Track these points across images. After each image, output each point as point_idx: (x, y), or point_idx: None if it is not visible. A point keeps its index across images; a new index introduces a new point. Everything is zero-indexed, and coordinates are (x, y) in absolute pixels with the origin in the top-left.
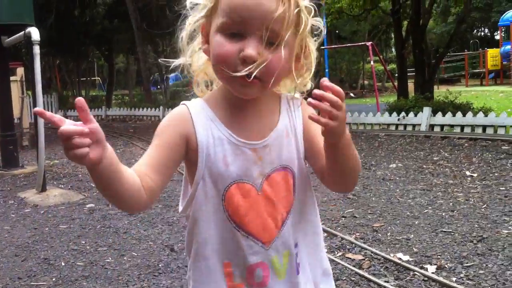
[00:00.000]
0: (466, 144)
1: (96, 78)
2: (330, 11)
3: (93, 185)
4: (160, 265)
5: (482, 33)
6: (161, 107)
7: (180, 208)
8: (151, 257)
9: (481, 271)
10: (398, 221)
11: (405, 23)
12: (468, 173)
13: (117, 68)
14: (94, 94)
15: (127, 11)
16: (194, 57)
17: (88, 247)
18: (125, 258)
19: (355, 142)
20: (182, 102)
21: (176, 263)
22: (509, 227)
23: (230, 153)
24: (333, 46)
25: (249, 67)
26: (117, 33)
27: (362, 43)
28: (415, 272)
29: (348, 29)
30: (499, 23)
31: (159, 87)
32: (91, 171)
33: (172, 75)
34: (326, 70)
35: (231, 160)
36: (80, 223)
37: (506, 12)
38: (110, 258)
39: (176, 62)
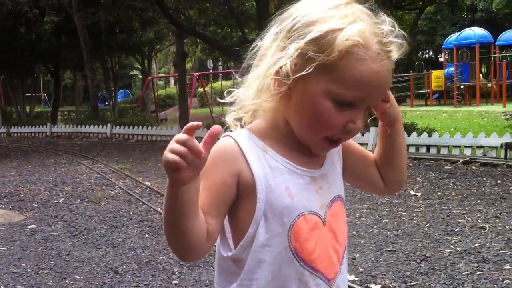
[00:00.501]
0: (410, 164)
1: (42, 94)
2: None
3: (36, 205)
4: None
5: (427, 55)
6: (108, 124)
7: (225, 253)
8: (94, 280)
9: None
10: None
11: None
12: (412, 192)
13: (64, 84)
14: (39, 110)
15: (75, 28)
16: (262, 94)
17: (28, 270)
18: (67, 281)
19: None
20: (225, 134)
21: (120, 286)
22: (451, 246)
23: (292, 183)
24: None
25: (349, 136)
26: (64, 50)
27: None
28: None
29: None
30: (443, 46)
31: (107, 103)
32: (173, 188)
33: (121, 91)
34: None
35: (295, 191)
36: (21, 245)
37: (450, 36)
38: (52, 282)
39: (236, 94)
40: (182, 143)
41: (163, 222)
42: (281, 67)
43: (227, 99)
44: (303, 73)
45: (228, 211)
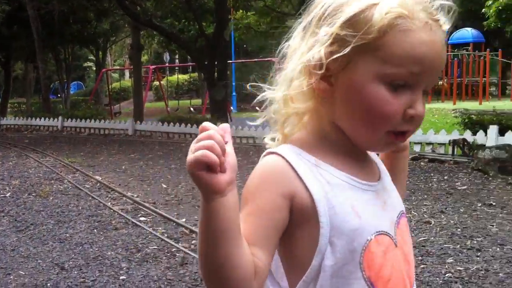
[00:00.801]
0: None
1: None
2: (239, 26)
3: None
4: (48, 284)
5: None
6: (60, 117)
7: None
8: (39, 276)
9: None
10: None
11: None
12: None
13: (15, 75)
14: None
15: (28, 18)
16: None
17: None
18: (11, 277)
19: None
20: (269, 151)
21: (65, 282)
22: None
23: (358, 201)
24: (240, 60)
25: (414, 125)
26: (16, 40)
27: (268, 59)
28: None
29: (255, 44)
30: None
31: (59, 95)
32: (207, 203)
33: (74, 83)
34: (233, 83)
35: (362, 209)
36: None
37: None
38: None
39: (268, 94)
40: (207, 137)
41: (199, 258)
42: (313, 57)
43: (257, 100)
44: (340, 54)
45: (276, 242)
